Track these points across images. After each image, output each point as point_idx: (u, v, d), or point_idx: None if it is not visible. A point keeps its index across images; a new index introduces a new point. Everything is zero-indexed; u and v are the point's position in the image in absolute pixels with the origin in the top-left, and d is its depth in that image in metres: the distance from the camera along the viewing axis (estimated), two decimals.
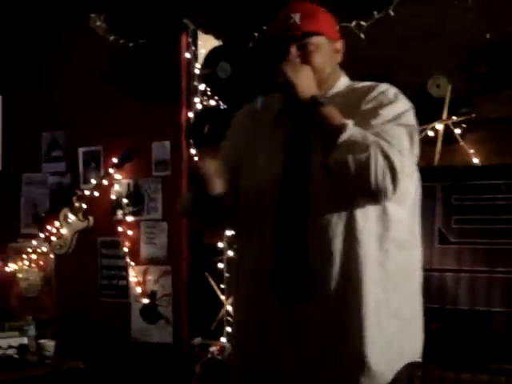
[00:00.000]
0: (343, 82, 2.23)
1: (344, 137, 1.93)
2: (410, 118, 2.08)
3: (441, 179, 3.51)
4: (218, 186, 2.09)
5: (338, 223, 2.03)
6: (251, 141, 2.24)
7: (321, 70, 2.11)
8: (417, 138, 2.05)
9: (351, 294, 2.03)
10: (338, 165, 1.94)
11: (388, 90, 2.10)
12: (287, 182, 2.11)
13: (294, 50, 2.09)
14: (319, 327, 2.06)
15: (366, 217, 2.04)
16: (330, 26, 2.20)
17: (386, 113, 2.03)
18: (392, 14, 3.31)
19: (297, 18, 2.09)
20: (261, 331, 2.14)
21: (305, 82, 2.01)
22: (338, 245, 2.03)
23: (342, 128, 1.94)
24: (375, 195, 1.96)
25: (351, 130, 1.94)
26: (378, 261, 2.05)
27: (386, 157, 1.91)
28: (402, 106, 2.08)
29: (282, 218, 2.10)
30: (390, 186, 1.92)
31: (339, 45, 2.21)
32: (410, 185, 2.08)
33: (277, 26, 2.15)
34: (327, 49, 2.14)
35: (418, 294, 2.20)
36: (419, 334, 2.21)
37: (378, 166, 1.90)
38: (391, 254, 2.06)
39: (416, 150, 2.05)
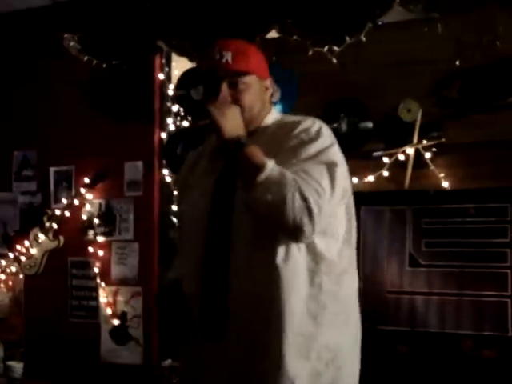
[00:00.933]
0: (272, 117, 2.27)
1: (262, 176, 1.96)
2: (331, 155, 2.08)
3: (411, 203, 3.54)
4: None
5: (261, 259, 2.07)
6: (191, 176, 2.34)
7: (250, 108, 2.16)
8: (339, 174, 2.05)
9: (272, 336, 2.06)
10: (256, 204, 1.99)
11: (311, 127, 2.13)
12: (213, 217, 2.17)
13: (225, 87, 2.13)
14: (238, 365, 2.10)
15: (294, 253, 2.06)
16: (261, 64, 2.25)
17: (307, 151, 2.06)
18: (364, 39, 3.34)
19: (228, 56, 2.13)
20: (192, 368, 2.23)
21: (231, 123, 2.05)
22: (259, 280, 2.06)
23: (261, 168, 1.97)
24: (293, 234, 2.00)
25: (270, 170, 1.97)
26: (310, 295, 2.08)
27: (303, 197, 1.94)
28: (323, 142, 2.10)
29: (207, 254, 2.16)
30: (307, 226, 1.95)
31: (268, 83, 2.26)
32: (335, 222, 2.12)
33: (209, 62, 2.17)
34: (257, 87, 2.19)
35: (354, 322, 2.23)
36: (355, 362, 2.22)
37: (294, 206, 1.93)
38: (324, 287, 2.09)
39: (338, 187, 2.04)
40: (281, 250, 2.06)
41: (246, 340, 2.08)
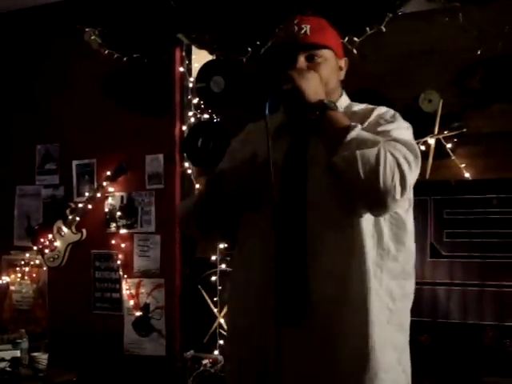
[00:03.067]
0: (344, 101, 2.23)
1: (353, 134, 1.92)
2: (410, 136, 2.08)
3: (432, 193, 3.53)
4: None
5: (340, 240, 2.01)
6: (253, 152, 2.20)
7: (327, 82, 2.11)
8: (419, 155, 2.02)
9: (353, 324, 2.00)
10: (346, 161, 1.91)
11: (387, 112, 2.12)
12: (285, 195, 2.07)
13: (302, 59, 2.09)
14: (316, 351, 2.01)
15: (369, 242, 2.02)
16: (337, 42, 2.23)
17: (389, 128, 2.03)
18: (384, 29, 3.34)
19: (307, 29, 2.09)
20: (260, 355, 2.09)
21: (313, 88, 2.01)
22: (337, 265, 2.00)
23: (350, 128, 1.93)
24: (382, 195, 1.90)
25: (359, 130, 1.93)
26: (387, 284, 2.05)
27: (394, 157, 1.89)
28: (402, 124, 2.09)
29: (279, 237, 2.03)
30: (398, 187, 1.88)
31: (343, 63, 2.23)
32: (404, 206, 2.07)
33: (286, 34, 2.13)
34: (333, 63, 2.16)
35: (408, 318, 2.20)
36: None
37: (386, 163, 1.87)
38: (384, 283, 2.05)
39: (417, 161, 2.00)
40: (362, 230, 2.00)
41: (325, 326, 2.00)
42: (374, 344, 2.00)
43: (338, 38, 2.24)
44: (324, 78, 2.09)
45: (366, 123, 2.07)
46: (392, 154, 1.89)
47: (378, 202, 1.93)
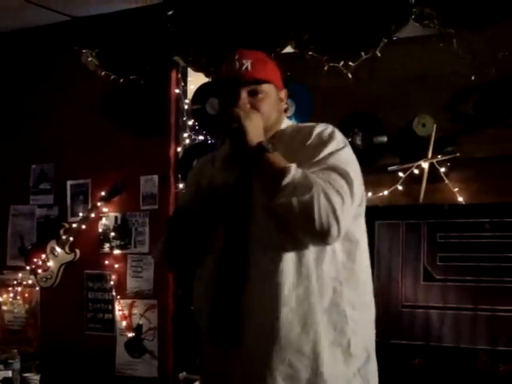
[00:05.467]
0: (286, 122, 2.31)
1: (287, 180, 1.97)
2: (345, 157, 2.12)
3: (426, 217, 3.55)
4: None
5: (284, 264, 2.07)
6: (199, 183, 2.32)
7: (268, 117, 2.19)
8: (354, 175, 2.07)
9: (302, 337, 2.06)
10: (283, 207, 1.99)
11: (324, 130, 2.16)
12: (231, 222, 2.18)
13: (244, 94, 2.16)
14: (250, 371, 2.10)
15: (317, 260, 2.08)
16: (277, 74, 2.29)
17: (322, 155, 2.08)
18: (379, 54, 3.37)
19: (248, 64, 2.16)
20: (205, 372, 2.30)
21: (255, 129, 2.08)
22: (286, 287, 2.06)
23: (285, 171, 1.99)
24: (320, 235, 2.00)
25: (294, 173, 1.98)
26: (332, 302, 2.09)
27: (328, 199, 1.96)
28: (337, 144, 2.13)
29: (223, 259, 2.16)
30: (334, 229, 1.96)
31: (283, 94, 2.29)
32: (355, 223, 2.14)
33: (228, 70, 2.20)
34: (274, 97, 2.23)
35: (371, 328, 2.24)
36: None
37: (321, 207, 1.94)
38: (345, 295, 2.11)
39: (356, 189, 2.06)
40: (303, 256, 2.07)
41: (263, 343, 2.07)
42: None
43: (277, 70, 2.30)
44: (266, 112, 2.18)
45: (307, 145, 2.13)
46: (326, 195, 1.96)
47: (317, 241, 2.06)
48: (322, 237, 2.00)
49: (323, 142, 2.12)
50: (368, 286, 2.23)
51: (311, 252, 2.08)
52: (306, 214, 1.95)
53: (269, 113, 2.19)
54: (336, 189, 1.99)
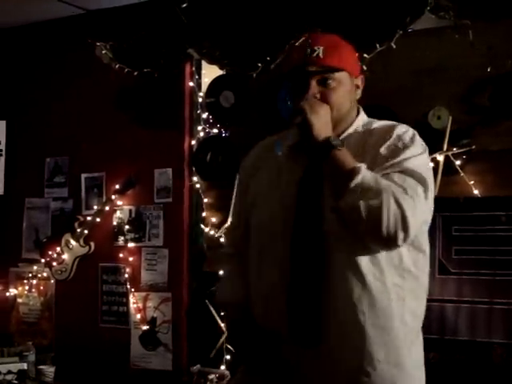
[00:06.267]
0: (361, 120, 2.19)
1: (356, 181, 1.89)
2: (424, 161, 2.05)
3: (441, 210, 3.52)
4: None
5: (354, 272, 2.00)
6: (265, 178, 2.21)
7: (339, 107, 2.08)
8: (431, 181, 2.01)
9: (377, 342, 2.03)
10: (350, 210, 1.91)
11: (405, 133, 2.07)
12: (300, 220, 2.07)
13: (314, 84, 2.05)
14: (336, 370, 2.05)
15: (388, 265, 2.03)
16: (353, 61, 2.17)
17: (401, 158, 2.00)
18: (394, 46, 3.34)
19: (320, 51, 2.04)
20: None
21: (322, 123, 1.98)
22: (356, 291, 2.00)
23: (354, 172, 1.91)
24: (385, 242, 1.93)
25: (363, 174, 1.91)
26: (398, 309, 2.05)
27: (399, 204, 1.88)
28: (417, 149, 2.05)
29: (294, 256, 2.06)
30: (400, 234, 1.89)
31: (360, 81, 2.18)
32: (422, 230, 2.07)
33: (298, 57, 2.08)
34: (348, 85, 2.11)
35: (420, 345, 2.23)
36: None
37: (390, 213, 1.87)
38: (407, 303, 2.07)
39: (431, 195, 2.00)
40: (376, 259, 2.01)
41: (346, 347, 2.03)
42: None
43: (353, 55, 2.19)
44: (337, 103, 2.07)
45: (386, 145, 2.04)
46: (396, 201, 1.88)
47: (381, 245, 1.98)
48: (388, 243, 1.93)
49: (404, 144, 2.03)
50: (426, 295, 2.17)
51: (383, 256, 2.01)
52: (373, 219, 1.87)
53: (340, 103, 2.08)
54: (410, 194, 1.91)
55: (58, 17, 4.70)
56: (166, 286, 4.32)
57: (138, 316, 4.37)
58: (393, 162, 1.99)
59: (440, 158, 3.51)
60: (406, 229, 1.89)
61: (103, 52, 4.17)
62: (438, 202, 3.48)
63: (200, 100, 4.27)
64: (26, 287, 4.79)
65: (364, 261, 2.00)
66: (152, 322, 4.33)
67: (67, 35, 4.71)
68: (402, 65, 3.62)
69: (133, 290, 4.41)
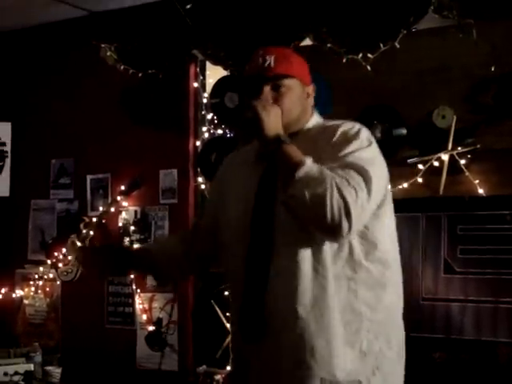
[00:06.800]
0: (314, 121, 2.30)
1: (301, 172, 1.99)
2: (368, 155, 2.11)
3: (446, 209, 3.53)
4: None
5: (302, 261, 2.09)
6: (230, 183, 2.38)
7: (290, 111, 2.20)
8: (375, 174, 2.05)
9: (317, 335, 2.09)
10: (295, 199, 2.00)
11: (350, 129, 2.16)
12: (256, 216, 2.21)
13: (267, 89, 2.18)
14: (278, 366, 2.13)
15: (334, 258, 2.10)
16: (303, 70, 2.29)
17: (344, 151, 2.08)
18: (398, 46, 3.34)
19: (271, 60, 2.18)
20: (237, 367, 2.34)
21: (272, 121, 2.09)
22: (303, 284, 2.09)
23: (300, 164, 2.00)
24: (331, 230, 2.00)
25: (308, 166, 2.00)
26: (348, 302, 2.11)
27: (341, 194, 1.95)
28: (361, 143, 2.12)
29: (249, 256, 2.20)
30: (345, 224, 1.96)
31: (310, 89, 2.30)
32: (376, 228, 2.14)
33: (252, 66, 2.23)
34: (298, 91, 2.24)
35: (395, 329, 2.25)
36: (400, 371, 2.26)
37: (333, 201, 1.94)
38: (360, 296, 2.12)
39: (375, 187, 2.04)
40: (320, 253, 2.09)
41: (286, 341, 2.11)
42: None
43: (303, 65, 2.31)
44: (287, 107, 2.19)
45: (332, 142, 2.14)
46: (339, 190, 1.95)
47: (328, 235, 2.06)
48: (333, 231, 2.00)
49: (347, 140, 2.12)
50: (390, 287, 2.21)
51: (328, 250, 2.09)
52: (317, 207, 1.95)
53: (291, 107, 2.20)
54: (352, 185, 1.98)
55: (62, 19, 4.71)
56: (172, 286, 4.33)
57: (144, 317, 4.38)
58: (338, 155, 2.08)
59: (445, 157, 3.51)
60: (349, 218, 1.96)
61: (108, 54, 4.18)
62: (443, 201, 3.53)
63: (205, 101, 4.28)
64: (32, 288, 4.80)
65: (309, 253, 2.09)
66: (158, 322, 4.33)
67: (72, 37, 4.71)
68: (405, 64, 3.62)
69: (138, 290, 4.41)
